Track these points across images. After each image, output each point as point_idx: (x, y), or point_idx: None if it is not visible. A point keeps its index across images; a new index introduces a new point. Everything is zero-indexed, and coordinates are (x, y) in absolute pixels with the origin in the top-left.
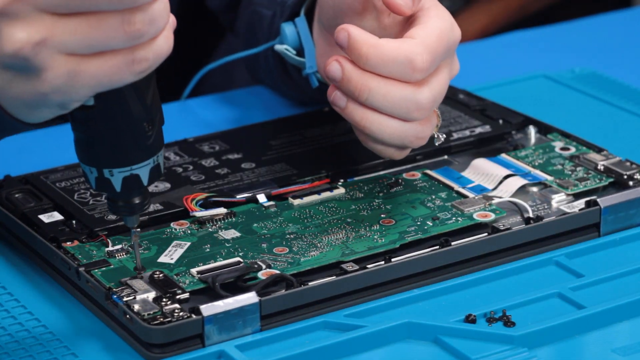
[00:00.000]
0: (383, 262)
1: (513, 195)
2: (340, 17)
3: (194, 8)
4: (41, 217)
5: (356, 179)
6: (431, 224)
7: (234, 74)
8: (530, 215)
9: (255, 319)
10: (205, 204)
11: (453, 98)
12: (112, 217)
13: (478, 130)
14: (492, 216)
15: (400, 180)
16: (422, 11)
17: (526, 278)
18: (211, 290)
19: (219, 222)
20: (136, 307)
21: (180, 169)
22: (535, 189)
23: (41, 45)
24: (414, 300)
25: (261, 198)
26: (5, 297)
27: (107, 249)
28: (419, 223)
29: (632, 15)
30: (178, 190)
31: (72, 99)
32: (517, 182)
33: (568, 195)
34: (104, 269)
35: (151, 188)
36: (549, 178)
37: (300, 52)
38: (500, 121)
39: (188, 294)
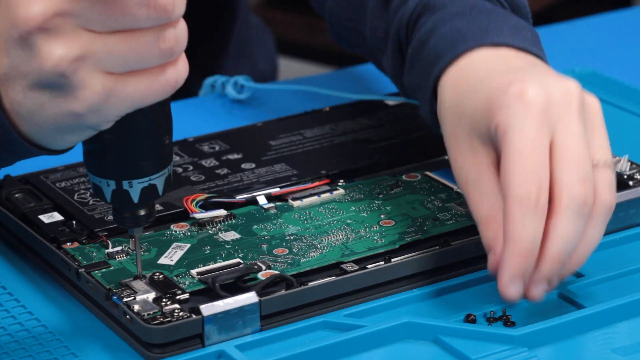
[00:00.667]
0: (383, 263)
1: None
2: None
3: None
4: (41, 217)
5: (356, 180)
6: (431, 225)
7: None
8: None
9: (255, 319)
10: (205, 205)
11: None
12: (112, 218)
13: None
14: None
15: (400, 182)
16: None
17: None
18: (211, 290)
19: (218, 224)
20: (136, 307)
21: (180, 169)
22: None
23: (80, 61)
24: (414, 300)
25: (261, 200)
26: (5, 297)
27: (107, 250)
28: (418, 224)
29: (632, 15)
30: (178, 190)
31: (106, 119)
32: None
33: None
34: (104, 270)
35: None
36: None
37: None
38: None
39: (188, 294)
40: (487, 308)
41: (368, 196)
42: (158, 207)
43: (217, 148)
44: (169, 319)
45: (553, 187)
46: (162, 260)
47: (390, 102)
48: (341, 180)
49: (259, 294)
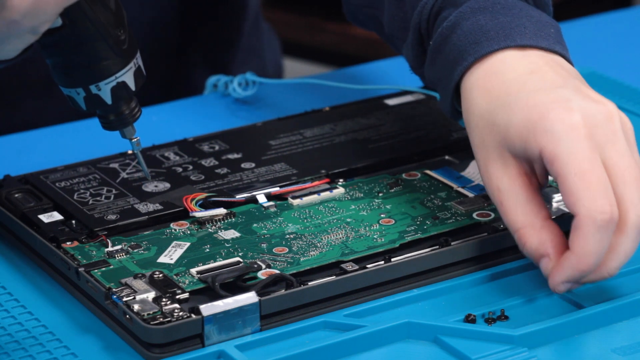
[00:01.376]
0: (383, 262)
1: None
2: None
3: (202, 12)
4: (41, 217)
5: (356, 179)
6: (431, 224)
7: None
8: None
9: (255, 319)
10: (205, 204)
11: None
12: (111, 217)
13: None
14: (492, 216)
15: (399, 180)
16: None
17: (526, 278)
18: (211, 290)
19: (218, 223)
20: (136, 307)
21: (180, 169)
22: None
23: None
24: (414, 300)
25: (261, 198)
26: (5, 297)
27: (106, 249)
28: (418, 223)
29: (632, 15)
30: (178, 190)
31: (41, 20)
32: None
33: None
34: (103, 269)
35: (151, 188)
36: (549, 178)
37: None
38: None
39: (188, 294)
40: (487, 308)
41: (368, 195)
42: (158, 206)
43: (217, 148)
44: (169, 318)
45: (618, 206)
46: (162, 259)
47: (390, 102)
48: (341, 180)
49: (259, 294)
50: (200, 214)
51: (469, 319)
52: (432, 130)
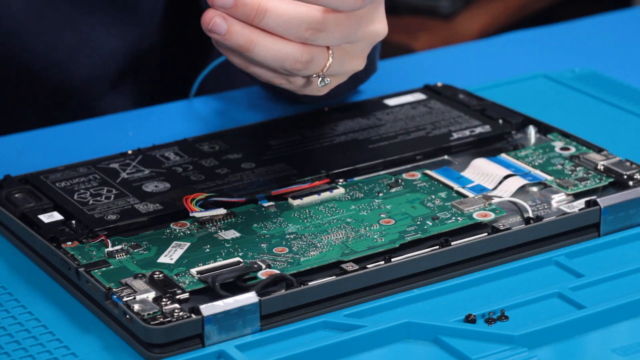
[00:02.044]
0: (383, 262)
1: (513, 195)
2: None
3: (191, 8)
4: (41, 217)
5: (356, 179)
6: (431, 224)
7: (233, 74)
8: (530, 215)
9: (255, 319)
10: (205, 204)
11: (453, 98)
12: (111, 217)
13: (478, 130)
14: (492, 216)
15: (400, 181)
16: None
17: (526, 278)
18: (211, 290)
19: (218, 223)
20: (136, 307)
21: (180, 169)
22: (535, 188)
23: None
24: (414, 300)
25: (261, 198)
26: (5, 297)
27: (106, 249)
28: (418, 223)
29: (632, 15)
30: (178, 190)
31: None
32: (517, 182)
33: (568, 195)
34: (103, 269)
35: (151, 188)
36: (549, 178)
37: None
38: (500, 121)
39: (188, 294)
40: (487, 308)
41: (368, 195)
42: (158, 206)
43: (217, 148)
44: (169, 318)
45: None
46: (162, 259)
47: (390, 102)
48: (341, 180)
49: (259, 294)
50: (200, 214)
51: (469, 319)
52: (432, 130)
